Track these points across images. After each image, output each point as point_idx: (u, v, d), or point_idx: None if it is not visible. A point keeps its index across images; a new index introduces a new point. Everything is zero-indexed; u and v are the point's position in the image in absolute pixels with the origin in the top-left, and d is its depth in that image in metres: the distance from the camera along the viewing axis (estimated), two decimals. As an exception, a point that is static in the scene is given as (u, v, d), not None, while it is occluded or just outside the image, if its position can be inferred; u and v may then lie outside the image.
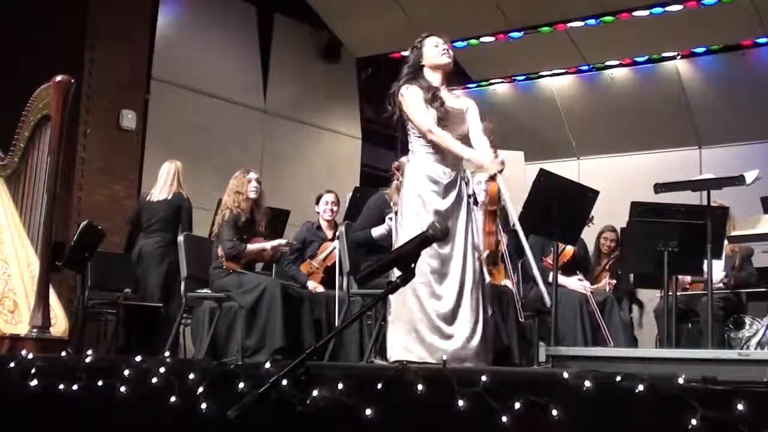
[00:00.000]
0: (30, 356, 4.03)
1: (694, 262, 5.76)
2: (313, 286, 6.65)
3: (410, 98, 4.60)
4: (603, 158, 11.39)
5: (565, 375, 2.59)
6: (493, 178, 4.85)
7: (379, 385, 2.84)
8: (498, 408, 2.60)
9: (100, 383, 3.56)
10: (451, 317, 4.44)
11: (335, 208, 7.00)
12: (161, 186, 7.72)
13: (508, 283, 6.00)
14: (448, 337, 4.43)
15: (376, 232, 5.93)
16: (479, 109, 4.78)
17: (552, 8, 10.08)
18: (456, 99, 4.75)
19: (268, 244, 6.30)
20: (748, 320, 6.61)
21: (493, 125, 5.16)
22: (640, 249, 5.73)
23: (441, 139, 4.53)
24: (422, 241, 2.78)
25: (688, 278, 6.97)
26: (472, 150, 4.58)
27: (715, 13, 9.67)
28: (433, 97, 4.61)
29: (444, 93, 4.68)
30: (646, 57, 10.88)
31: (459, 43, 10.90)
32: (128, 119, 9.41)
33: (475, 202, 4.78)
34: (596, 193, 5.57)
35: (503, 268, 6.04)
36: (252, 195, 6.32)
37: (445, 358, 4.14)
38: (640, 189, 6.56)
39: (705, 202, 5.64)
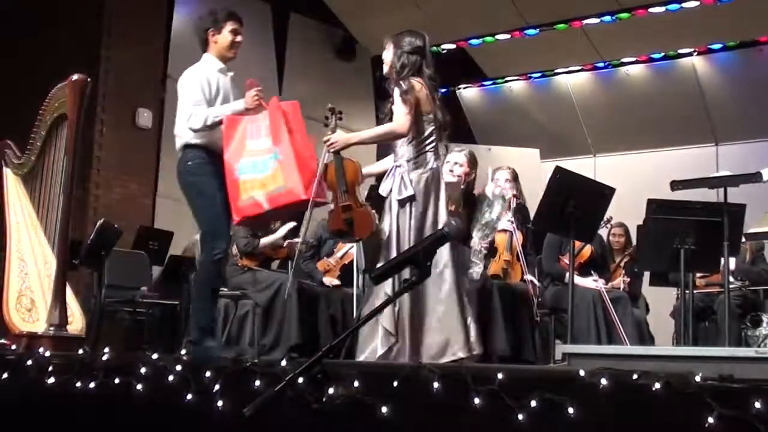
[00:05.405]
0: (47, 354, 4.05)
1: (710, 259, 5.73)
2: (329, 280, 6.65)
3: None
4: (619, 155, 11.34)
5: (582, 373, 2.58)
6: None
7: (395, 383, 2.84)
8: (514, 406, 2.60)
9: (116, 381, 3.57)
10: None
11: None
12: None
13: (532, 278, 5.97)
14: None
15: None
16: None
17: (568, 5, 10.04)
18: None
19: (280, 233, 6.25)
20: (765, 318, 6.57)
21: None
22: (657, 247, 5.69)
23: None
24: (438, 239, 2.77)
25: (703, 281, 6.97)
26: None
27: (731, 10, 9.62)
28: None
29: None
30: (662, 54, 10.83)
31: (474, 41, 10.90)
32: (144, 118, 9.44)
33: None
34: (612, 190, 5.53)
35: (519, 266, 6.02)
36: None
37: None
38: (657, 186, 6.52)
39: (722, 200, 5.61)
